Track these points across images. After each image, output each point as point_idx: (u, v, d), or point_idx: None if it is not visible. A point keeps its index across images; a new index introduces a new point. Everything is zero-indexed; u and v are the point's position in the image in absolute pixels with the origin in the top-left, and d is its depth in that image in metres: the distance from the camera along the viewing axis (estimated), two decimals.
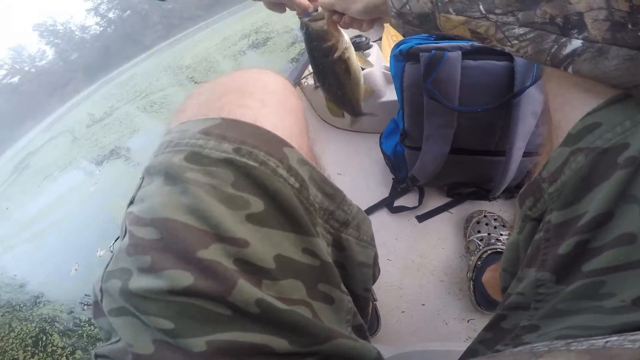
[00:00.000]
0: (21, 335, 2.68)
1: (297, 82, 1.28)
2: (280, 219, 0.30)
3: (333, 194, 0.36)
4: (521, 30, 0.32)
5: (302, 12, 0.59)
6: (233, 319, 0.26)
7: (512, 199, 0.98)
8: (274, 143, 0.31)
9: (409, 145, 0.91)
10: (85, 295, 2.75)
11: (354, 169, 1.20)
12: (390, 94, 1.18)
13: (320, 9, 0.58)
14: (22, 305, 3.07)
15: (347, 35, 0.62)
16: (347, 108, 0.73)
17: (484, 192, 0.96)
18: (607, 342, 0.21)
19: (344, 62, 0.61)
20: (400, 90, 0.83)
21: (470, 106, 0.74)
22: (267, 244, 0.29)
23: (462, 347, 0.70)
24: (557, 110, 0.35)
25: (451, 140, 0.81)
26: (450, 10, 0.38)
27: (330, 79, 0.64)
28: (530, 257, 0.33)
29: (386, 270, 0.92)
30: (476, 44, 0.68)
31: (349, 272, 0.39)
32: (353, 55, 0.62)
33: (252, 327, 0.27)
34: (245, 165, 0.29)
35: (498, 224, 0.89)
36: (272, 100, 0.36)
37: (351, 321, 0.35)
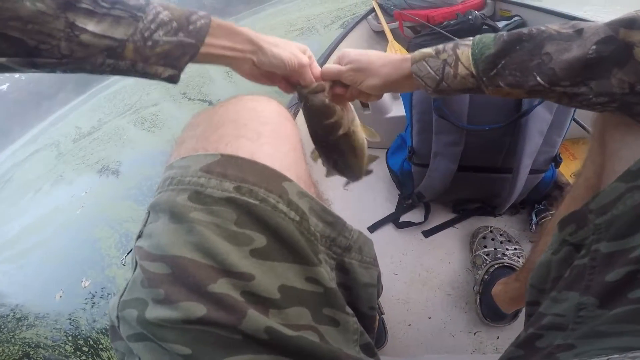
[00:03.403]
0: (3, 358, 2.56)
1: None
2: (283, 251, 0.32)
3: (333, 222, 0.38)
4: (600, 100, 0.35)
5: (299, 83, 0.51)
6: (245, 344, 0.28)
7: (518, 214, 1.01)
8: (273, 178, 0.34)
9: (417, 163, 0.94)
10: (71, 321, 2.64)
11: (360, 185, 1.21)
12: (396, 110, 1.21)
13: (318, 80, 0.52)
14: (2, 327, 2.94)
15: (352, 107, 0.56)
16: (349, 176, 0.67)
17: (489, 208, 0.98)
18: (635, 358, 0.23)
19: (349, 137, 0.54)
20: (409, 108, 0.86)
21: (478, 124, 0.77)
22: (271, 276, 0.31)
23: (469, 358, 0.71)
24: (616, 140, 0.38)
25: (459, 158, 0.84)
26: (501, 84, 0.40)
27: (334, 155, 0.58)
28: (572, 281, 0.35)
29: (393, 284, 0.94)
30: None
31: (354, 293, 0.41)
32: (358, 127, 0.55)
33: (263, 350, 0.28)
34: (246, 203, 0.31)
35: (504, 239, 0.91)
36: (266, 131, 0.38)
37: (359, 340, 0.37)
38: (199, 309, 0.27)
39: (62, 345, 2.45)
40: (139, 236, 0.34)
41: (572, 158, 0.91)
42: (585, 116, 0.80)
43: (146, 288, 0.29)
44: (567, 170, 0.94)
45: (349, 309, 0.36)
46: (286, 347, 0.29)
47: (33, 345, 2.58)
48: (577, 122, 0.91)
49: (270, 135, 0.38)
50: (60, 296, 2.99)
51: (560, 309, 0.35)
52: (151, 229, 0.32)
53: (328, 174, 0.66)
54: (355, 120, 0.55)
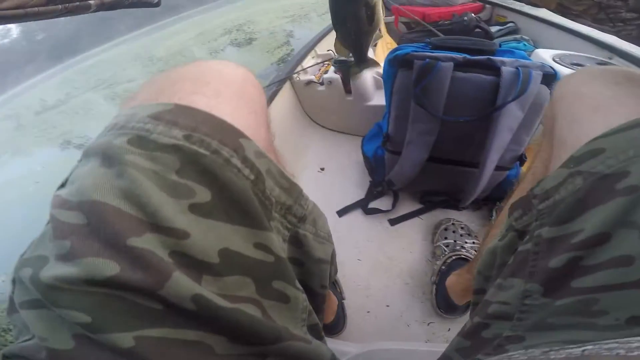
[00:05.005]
0: None
1: (288, 77, 1.30)
2: (230, 211, 0.28)
3: (290, 188, 0.35)
4: (628, 16, 0.35)
5: None
6: (165, 314, 0.24)
7: (479, 210, 1.04)
8: (229, 133, 0.30)
9: (390, 149, 0.95)
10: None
11: (334, 168, 1.22)
12: (377, 99, 1.22)
13: None
14: None
15: None
16: (356, 53, 0.72)
17: (454, 202, 1.01)
18: (584, 350, 0.23)
19: (371, 8, 0.59)
20: (389, 94, 0.87)
21: (453, 116, 0.79)
22: (211, 237, 0.27)
23: (424, 347, 0.73)
24: (563, 128, 0.38)
25: (431, 147, 0.85)
26: None
27: (350, 23, 0.62)
28: (516, 267, 0.34)
29: (355, 270, 0.94)
30: (469, 56, 0.74)
31: (306, 269, 0.38)
32: (380, 3, 0.60)
33: (187, 324, 0.25)
34: (194, 152, 0.27)
35: (464, 232, 0.94)
36: (228, 91, 0.35)
37: (307, 320, 0.34)
38: (109, 267, 0.22)
39: (3, 335, 2.29)
40: (62, 185, 0.29)
41: None
42: None
43: (52, 242, 0.25)
44: None
45: (299, 285, 0.34)
46: (217, 320, 0.26)
47: None
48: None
49: (231, 96, 0.34)
50: (3, 280, 2.77)
51: (505, 296, 0.34)
52: (76, 173, 0.28)
53: (337, 50, 0.73)
54: None
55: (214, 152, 0.28)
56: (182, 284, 0.24)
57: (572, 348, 0.24)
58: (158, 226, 0.25)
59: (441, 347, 0.72)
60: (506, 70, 0.72)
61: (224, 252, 0.27)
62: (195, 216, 0.26)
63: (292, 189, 0.35)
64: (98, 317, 0.23)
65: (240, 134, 0.30)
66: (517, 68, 0.71)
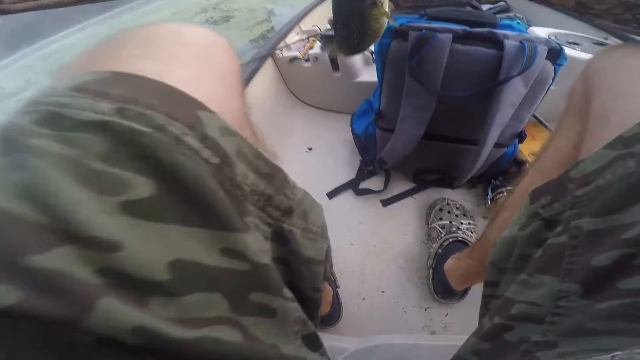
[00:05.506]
0: None
1: (270, 54, 1.21)
2: (183, 208, 0.21)
3: (271, 173, 0.27)
4: None
5: None
6: (94, 353, 0.18)
7: (474, 189, 1.01)
8: (182, 103, 0.23)
9: (382, 127, 0.90)
10: None
11: (323, 148, 1.17)
12: (366, 75, 1.16)
13: None
14: None
15: None
16: (350, 51, 0.68)
17: (448, 180, 0.97)
18: (613, 356, 0.20)
19: (376, 8, 0.56)
20: (381, 68, 0.81)
21: (450, 91, 0.74)
22: (156, 246, 0.20)
23: (427, 340, 0.71)
24: (606, 103, 0.33)
25: (426, 124, 0.81)
26: None
27: (354, 23, 0.59)
28: (547, 262, 0.30)
29: (349, 255, 0.90)
30: (468, 28, 0.69)
31: (295, 270, 0.32)
32: (387, 1, 0.57)
33: None
34: (129, 130, 0.20)
35: (459, 212, 0.91)
36: (186, 55, 0.28)
37: (300, 331, 0.29)
38: (6, 294, 0.16)
39: None
40: None
41: (531, 138, 0.92)
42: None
43: None
44: (526, 149, 0.95)
45: (287, 292, 0.28)
46: (174, 356, 0.19)
47: None
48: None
49: (189, 59, 0.27)
50: None
51: (533, 296, 0.30)
52: None
53: (332, 54, 0.73)
54: None
55: (158, 128, 0.20)
56: (116, 312, 0.18)
57: (600, 355, 0.21)
58: (74, 235, 0.18)
59: (443, 341, 0.72)
60: (510, 44, 0.68)
61: (177, 265, 0.20)
62: (130, 218, 0.19)
63: (274, 174, 0.28)
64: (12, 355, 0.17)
65: (199, 105, 0.23)
66: (521, 42, 0.67)
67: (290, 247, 0.30)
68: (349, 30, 0.60)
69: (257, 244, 0.25)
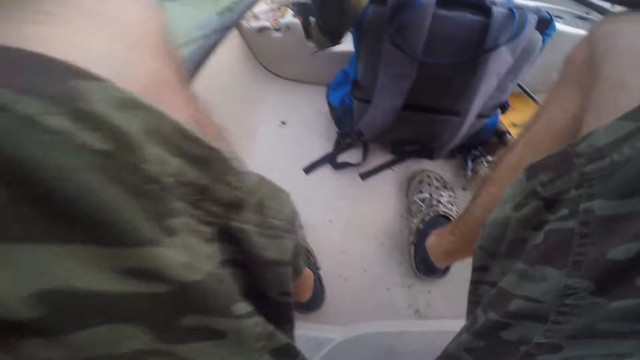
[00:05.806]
0: None
1: (234, 24, 1.09)
2: (51, 220, 0.15)
3: (205, 157, 0.21)
4: None
5: None
6: None
7: (453, 159, 0.99)
8: (42, 71, 0.16)
9: (359, 97, 0.84)
10: None
11: (297, 121, 1.10)
12: (342, 45, 1.07)
13: None
14: None
15: None
16: (330, 38, 0.67)
17: (427, 151, 0.94)
18: None
19: None
20: (358, 35, 0.74)
21: (433, 58, 0.68)
22: (7, 275, 0.15)
23: (413, 326, 0.70)
24: (621, 69, 0.29)
25: (406, 93, 0.75)
26: None
27: (331, 8, 0.57)
28: (550, 251, 0.27)
29: (328, 233, 0.87)
30: None
31: (255, 273, 0.26)
32: None
33: None
34: None
35: (439, 184, 0.88)
36: (71, 11, 0.20)
37: (267, 347, 0.25)
38: None
39: None
40: None
41: (511, 109, 0.90)
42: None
43: None
44: (506, 119, 0.93)
45: (241, 308, 0.23)
46: None
47: None
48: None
49: (75, 15, 0.20)
50: None
51: (534, 290, 0.27)
52: None
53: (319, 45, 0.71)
54: None
55: (3, 108, 0.14)
56: None
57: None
58: None
59: (431, 327, 0.71)
60: (498, 10, 0.63)
61: (49, 297, 0.15)
62: None
63: (210, 158, 0.22)
64: None
65: (77, 72, 0.17)
66: (510, 10, 0.63)
67: (244, 249, 0.25)
68: (327, 13, 0.58)
69: (185, 254, 0.19)
